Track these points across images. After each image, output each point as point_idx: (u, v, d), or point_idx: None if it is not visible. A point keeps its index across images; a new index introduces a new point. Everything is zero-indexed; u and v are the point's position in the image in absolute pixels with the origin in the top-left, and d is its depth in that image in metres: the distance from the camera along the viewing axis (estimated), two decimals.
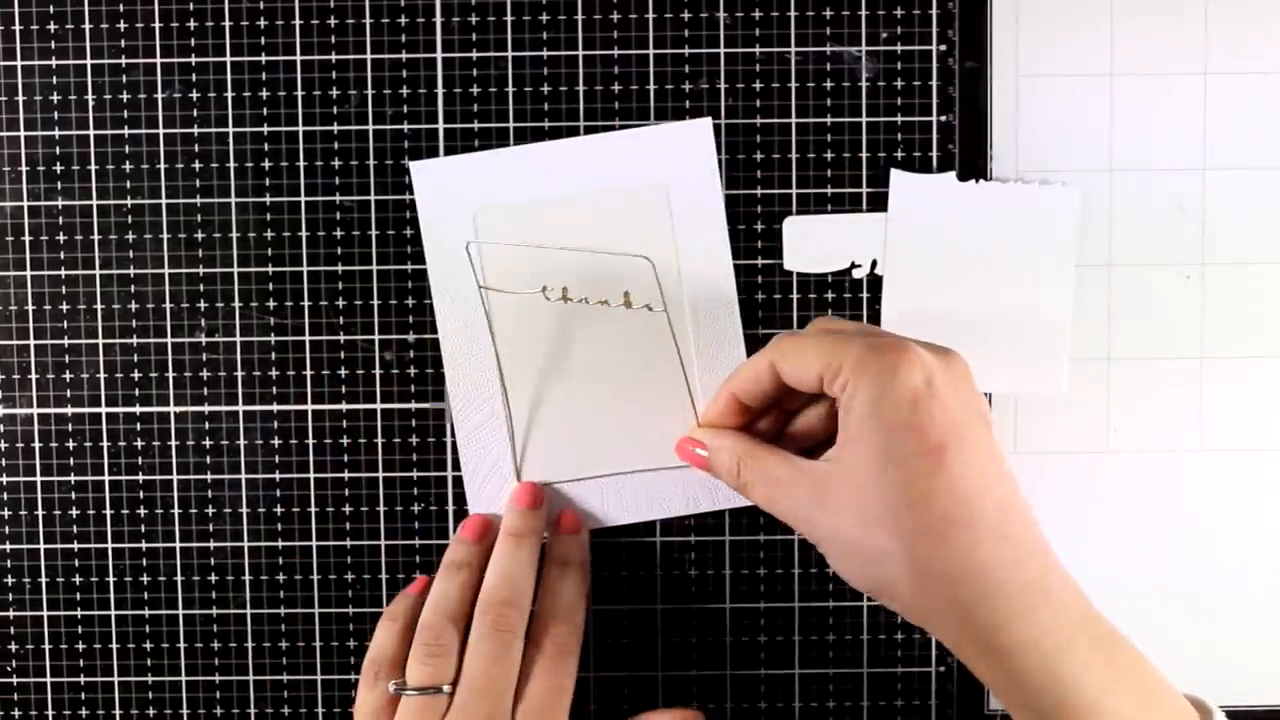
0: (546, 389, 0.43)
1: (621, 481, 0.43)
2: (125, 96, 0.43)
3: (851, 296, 0.43)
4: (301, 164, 0.43)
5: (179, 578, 0.44)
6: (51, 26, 0.43)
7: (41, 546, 0.44)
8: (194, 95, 0.43)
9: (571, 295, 0.42)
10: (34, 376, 0.43)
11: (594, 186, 0.42)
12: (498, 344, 0.42)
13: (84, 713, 0.44)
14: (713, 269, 0.43)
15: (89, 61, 0.43)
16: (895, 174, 0.43)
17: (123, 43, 0.43)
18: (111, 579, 0.44)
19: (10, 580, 0.44)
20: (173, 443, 0.43)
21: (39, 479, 0.44)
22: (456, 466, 0.43)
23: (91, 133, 0.43)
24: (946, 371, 0.34)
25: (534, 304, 0.42)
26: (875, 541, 0.34)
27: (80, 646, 0.44)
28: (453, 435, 0.43)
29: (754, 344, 0.43)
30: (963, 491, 0.33)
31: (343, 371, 0.43)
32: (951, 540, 0.33)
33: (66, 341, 0.43)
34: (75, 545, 0.44)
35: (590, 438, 0.43)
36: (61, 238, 0.43)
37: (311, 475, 0.43)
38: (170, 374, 0.43)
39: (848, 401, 0.34)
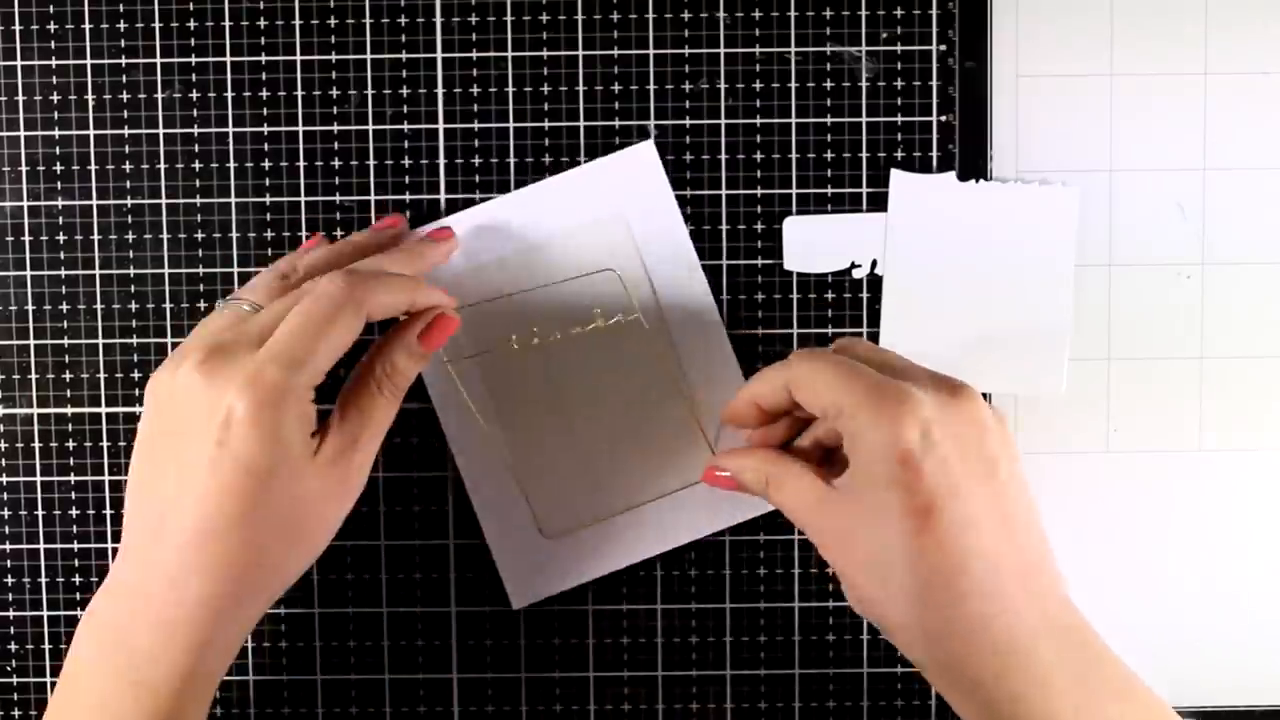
0: (548, 438, 0.43)
1: (644, 513, 0.43)
2: (125, 96, 0.43)
3: (851, 296, 0.43)
4: (301, 164, 0.43)
5: None
6: (51, 26, 0.43)
7: (41, 546, 0.44)
8: (194, 95, 0.43)
9: (542, 335, 0.42)
10: (34, 376, 0.43)
11: (552, 233, 0.42)
12: (495, 407, 0.42)
13: None
14: (687, 287, 0.42)
15: (89, 61, 0.43)
16: (895, 174, 0.43)
17: (123, 43, 0.43)
18: None
19: (10, 580, 0.44)
20: None
21: (39, 479, 0.44)
22: (455, 467, 0.43)
23: (91, 133, 0.43)
24: (950, 419, 0.34)
25: (514, 358, 0.42)
26: (865, 585, 0.34)
27: None
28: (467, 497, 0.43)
29: (746, 346, 0.43)
30: (948, 553, 0.33)
31: (342, 372, 0.43)
32: (931, 600, 0.33)
33: (66, 341, 0.43)
34: (75, 545, 0.44)
35: (601, 476, 0.43)
36: (61, 238, 0.43)
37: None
38: None
39: (849, 444, 0.35)
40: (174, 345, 0.43)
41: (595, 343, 0.42)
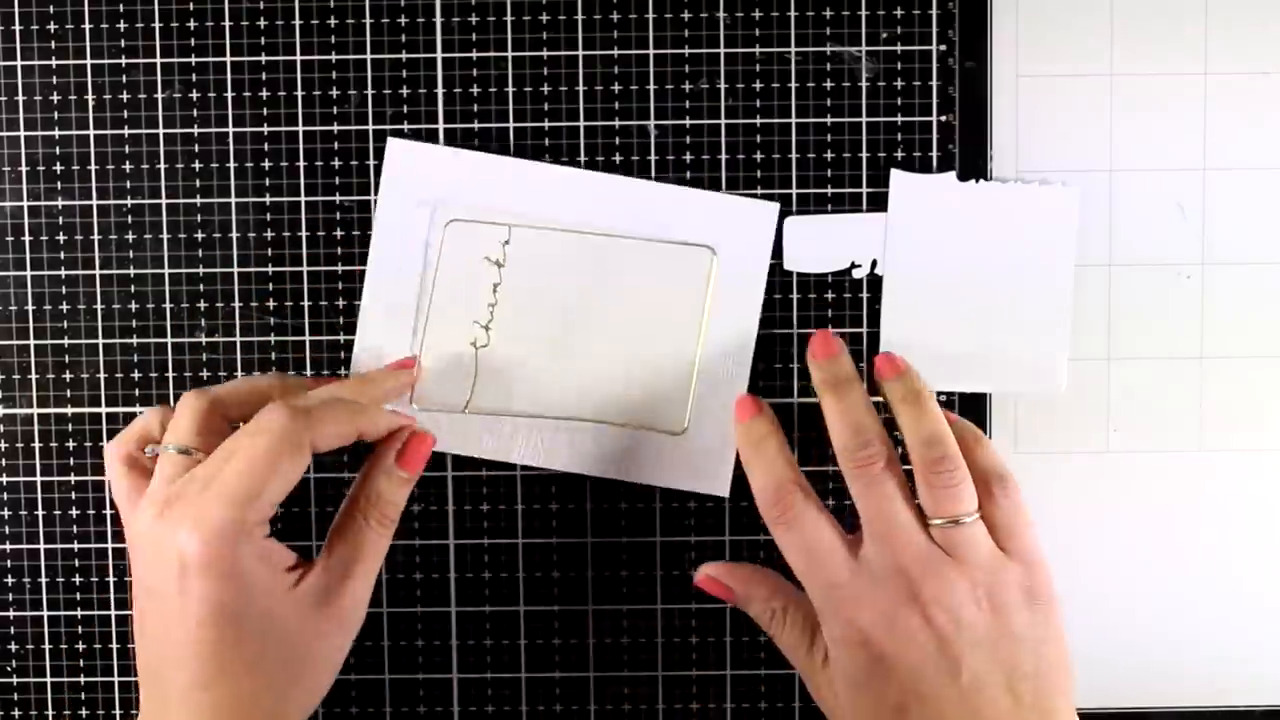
0: (593, 368, 0.43)
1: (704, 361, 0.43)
2: (125, 96, 0.43)
3: (851, 296, 0.43)
4: (301, 164, 0.43)
5: None
6: (51, 26, 0.43)
7: (41, 546, 0.44)
8: (194, 95, 0.43)
9: (490, 323, 0.42)
10: (34, 376, 0.43)
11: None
12: (536, 396, 0.43)
13: (84, 713, 0.44)
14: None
15: (89, 61, 0.43)
16: (895, 174, 0.43)
17: (123, 43, 0.43)
18: (111, 579, 0.44)
19: (10, 580, 0.44)
20: None
21: (39, 479, 0.44)
22: (455, 467, 0.43)
23: (91, 133, 0.43)
24: (905, 624, 0.35)
25: (491, 353, 0.43)
26: None
27: (80, 646, 0.44)
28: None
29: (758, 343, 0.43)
30: None
31: (342, 372, 0.43)
32: None
33: (66, 341, 0.43)
34: (75, 545, 0.44)
35: (646, 363, 0.43)
36: (61, 238, 0.43)
37: (311, 476, 0.43)
38: (170, 374, 0.43)
39: (823, 627, 0.37)
40: (174, 345, 0.43)
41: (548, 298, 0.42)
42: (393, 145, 0.42)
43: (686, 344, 0.42)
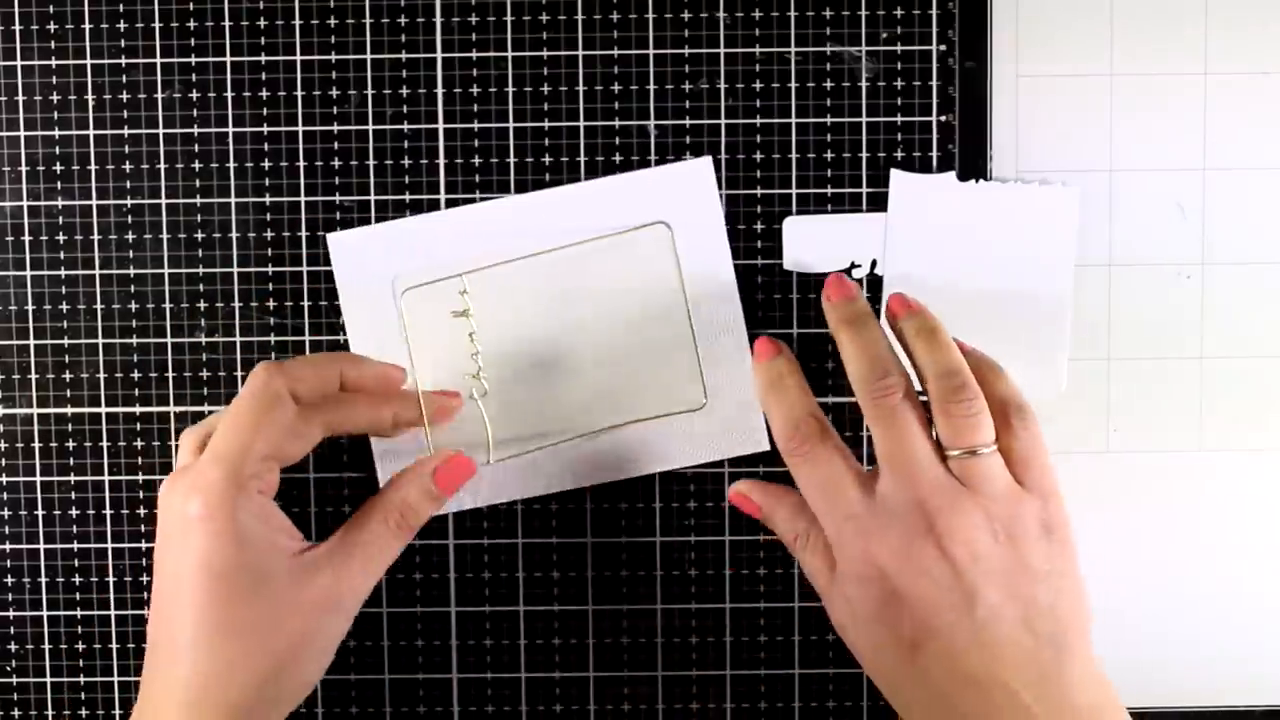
0: (594, 379, 0.43)
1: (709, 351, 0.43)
2: (125, 96, 0.43)
3: None
4: (301, 164, 0.43)
5: None
6: (51, 26, 0.43)
7: (41, 546, 0.44)
8: (194, 95, 0.43)
9: (477, 359, 0.42)
10: (34, 376, 0.43)
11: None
12: (560, 428, 0.43)
13: (84, 713, 0.44)
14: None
15: (89, 61, 0.43)
16: (895, 174, 0.43)
17: (123, 43, 0.43)
18: (111, 579, 0.44)
19: (10, 580, 0.44)
20: (172, 443, 0.43)
21: (39, 479, 0.44)
22: None
23: (91, 133, 0.43)
24: (919, 556, 0.35)
25: (495, 398, 0.43)
26: (870, 671, 0.37)
27: (80, 646, 0.44)
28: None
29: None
30: (936, 680, 0.34)
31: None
32: (934, 713, 0.34)
33: (66, 341, 0.43)
34: (75, 545, 0.44)
35: (646, 357, 0.43)
36: (61, 238, 0.43)
37: (311, 475, 0.43)
38: (170, 374, 0.43)
39: (838, 559, 0.37)
40: (174, 345, 0.43)
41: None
42: (332, 240, 0.42)
43: (677, 320, 0.43)
